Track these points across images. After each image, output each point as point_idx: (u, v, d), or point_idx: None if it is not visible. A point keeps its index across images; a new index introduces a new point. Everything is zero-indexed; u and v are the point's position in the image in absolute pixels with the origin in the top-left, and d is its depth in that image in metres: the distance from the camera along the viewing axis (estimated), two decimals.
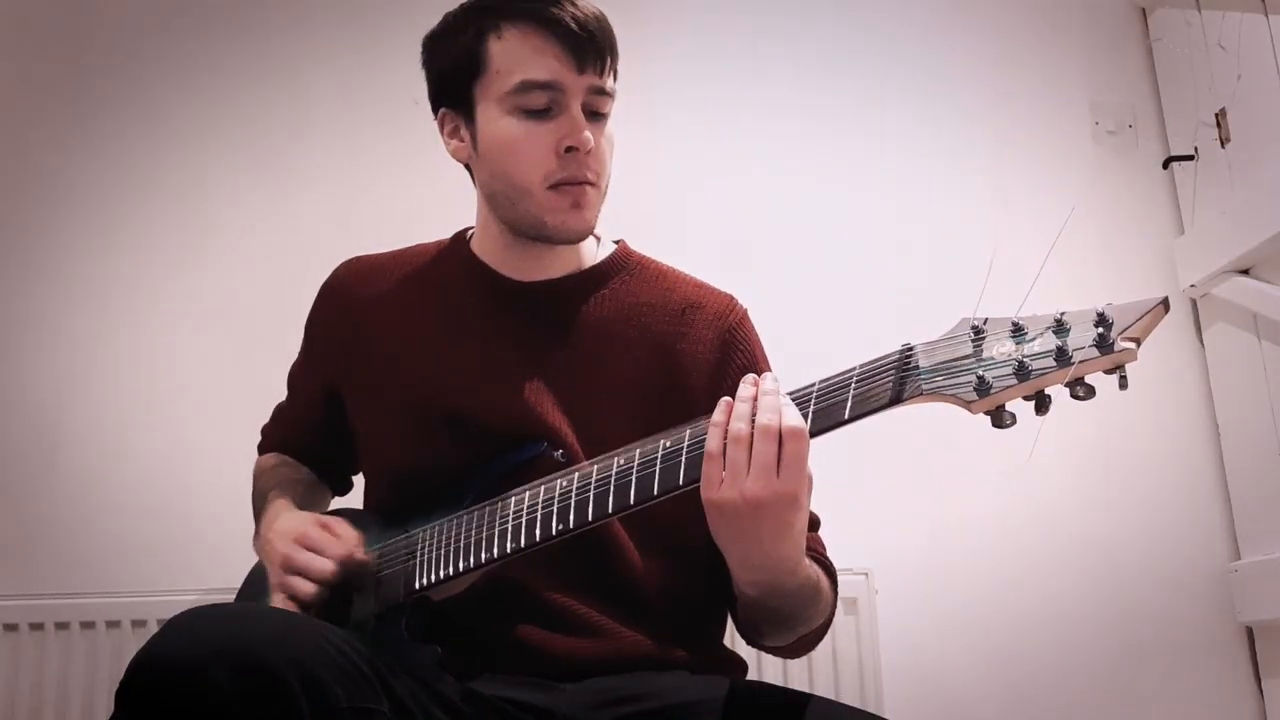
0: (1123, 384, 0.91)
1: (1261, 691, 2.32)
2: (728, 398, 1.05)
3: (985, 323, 0.97)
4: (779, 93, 2.55)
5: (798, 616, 1.21)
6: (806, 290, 2.39)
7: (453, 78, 1.30)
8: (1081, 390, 0.92)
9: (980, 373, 0.94)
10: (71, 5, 2.49)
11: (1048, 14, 2.65)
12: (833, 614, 1.28)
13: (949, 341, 0.99)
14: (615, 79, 1.30)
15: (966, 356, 0.96)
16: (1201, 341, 2.49)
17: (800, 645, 1.29)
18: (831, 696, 2.07)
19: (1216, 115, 2.41)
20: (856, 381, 1.02)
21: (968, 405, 0.96)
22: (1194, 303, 2.50)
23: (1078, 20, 2.65)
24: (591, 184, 1.27)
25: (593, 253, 1.38)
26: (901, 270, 2.41)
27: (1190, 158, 2.50)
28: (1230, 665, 2.34)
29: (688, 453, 1.08)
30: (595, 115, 1.27)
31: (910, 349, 1.00)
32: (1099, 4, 2.66)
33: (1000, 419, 0.96)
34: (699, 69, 2.55)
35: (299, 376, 1.50)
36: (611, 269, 1.37)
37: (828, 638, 2.13)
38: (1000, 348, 0.95)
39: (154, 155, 2.43)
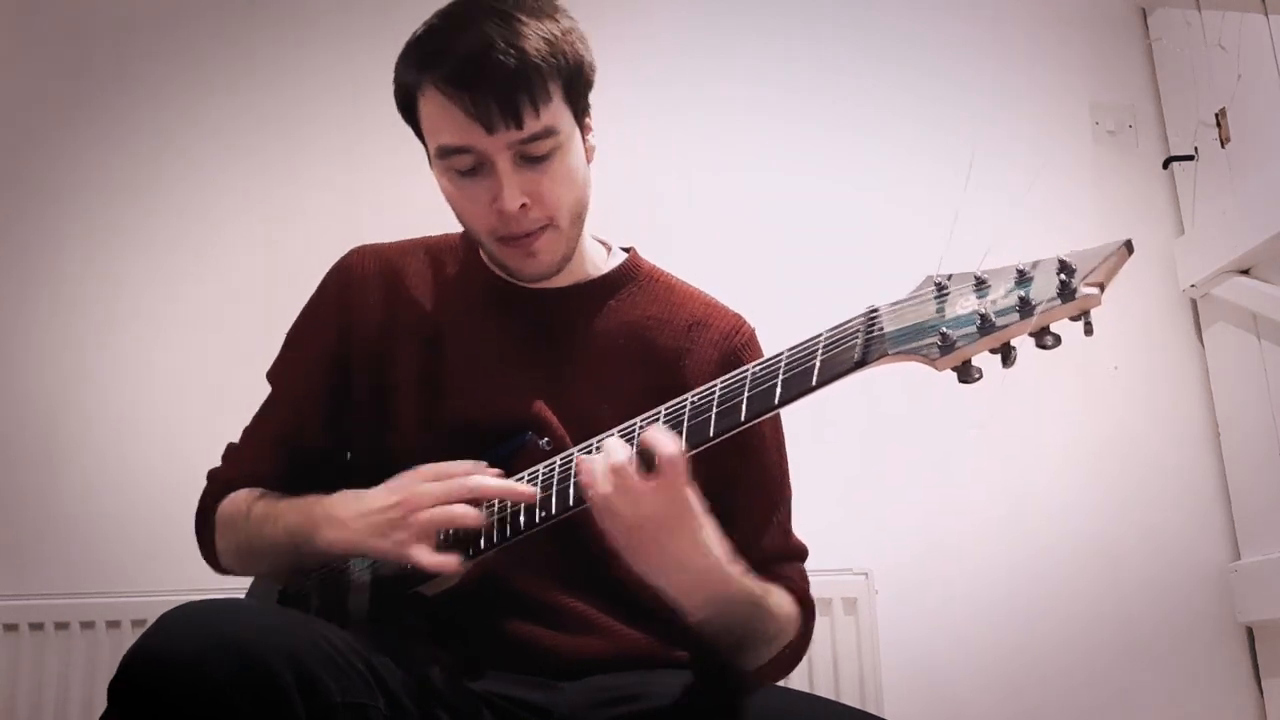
0: (1088, 330, 0.89)
1: (1261, 691, 2.32)
2: (578, 460, 1.09)
3: (949, 279, 0.96)
4: (778, 93, 2.55)
5: (754, 635, 1.21)
6: (806, 289, 2.38)
7: (408, 122, 1.29)
8: (1048, 339, 0.90)
9: (944, 329, 0.93)
10: (73, 6, 2.49)
11: (1048, 14, 2.65)
12: (803, 644, 1.29)
13: (913, 301, 0.98)
14: (576, 101, 1.24)
15: (931, 314, 0.96)
16: (1201, 341, 2.49)
17: (771, 669, 1.28)
18: (831, 696, 2.07)
19: (1216, 115, 2.41)
20: (823, 348, 1.02)
21: (932, 363, 0.95)
22: (1194, 303, 2.50)
23: (1078, 20, 2.65)
24: (545, 227, 1.24)
25: (601, 261, 1.37)
26: (901, 269, 2.41)
27: (1190, 158, 2.50)
28: (1230, 665, 2.34)
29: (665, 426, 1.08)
30: (533, 159, 1.21)
31: (875, 311, 1.00)
32: (1099, 4, 2.66)
33: (967, 374, 0.94)
34: (699, 68, 2.55)
35: (298, 367, 1.41)
36: (619, 280, 1.36)
37: (828, 637, 2.16)
38: (964, 303, 0.94)
39: (155, 159, 2.43)
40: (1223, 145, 2.40)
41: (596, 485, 1.05)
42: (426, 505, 1.13)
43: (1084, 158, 2.58)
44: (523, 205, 1.21)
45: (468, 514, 1.13)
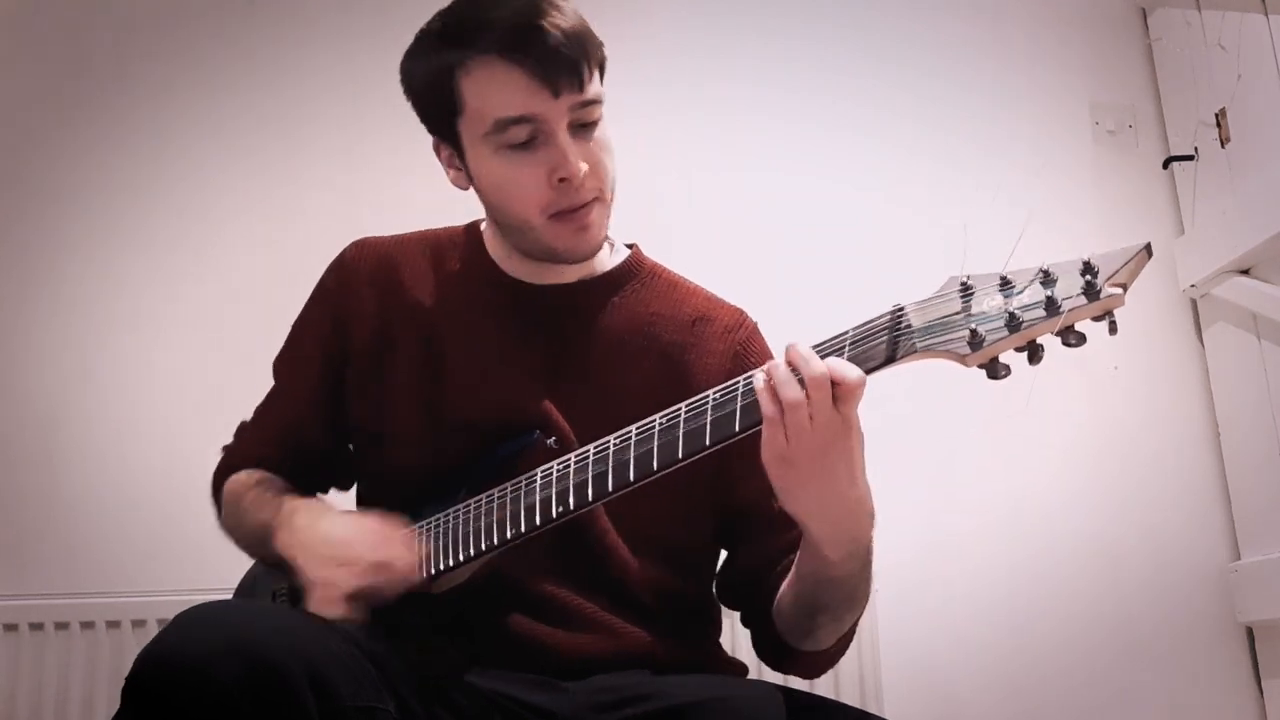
0: (1112, 329, 0.92)
1: (1261, 691, 2.32)
2: (765, 366, 1.03)
3: (973, 279, 0.98)
4: (778, 93, 2.55)
5: (859, 591, 1.19)
6: (806, 289, 2.39)
7: (435, 113, 1.26)
8: (1073, 338, 0.93)
9: (973, 326, 0.95)
10: (73, 6, 2.49)
11: (1048, 14, 2.65)
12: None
13: (939, 299, 0.99)
14: (602, 76, 1.25)
15: (957, 313, 0.97)
16: (1201, 341, 2.49)
17: (842, 642, 1.28)
18: (831, 696, 2.07)
19: (1216, 115, 2.41)
20: (851, 344, 1.02)
21: (962, 359, 0.97)
22: (1194, 303, 2.50)
23: (1078, 20, 2.65)
24: (595, 200, 1.23)
25: (605, 257, 1.36)
26: (902, 269, 2.41)
27: (1190, 158, 2.50)
28: (1230, 665, 2.34)
29: (685, 426, 1.08)
30: (585, 126, 1.21)
31: (901, 309, 1.01)
32: (1099, 4, 2.67)
33: (995, 371, 0.97)
34: (699, 68, 2.55)
35: (297, 364, 1.41)
36: (623, 276, 1.35)
37: None
38: (990, 302, 0.96)
39: (155, 159, 2.42)
40: (1223, 145, 2.40)
41: (786, 390, 1.01)
42: (346, 585, 1.13)
43: (1084, 158, 2.58)
44: (584, 172, 1.20)
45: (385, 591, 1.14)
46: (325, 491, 1.43)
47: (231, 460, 1.41)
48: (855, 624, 1.26)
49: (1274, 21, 2.24)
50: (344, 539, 1.17)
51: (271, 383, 1.43)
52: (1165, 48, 2.59)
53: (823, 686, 2.13)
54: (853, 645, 2.13)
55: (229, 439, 1.43)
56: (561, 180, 1.20)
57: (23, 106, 2.43)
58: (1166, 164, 2.57)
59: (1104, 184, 2.57)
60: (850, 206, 2.50)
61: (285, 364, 1.43)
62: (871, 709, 1.99)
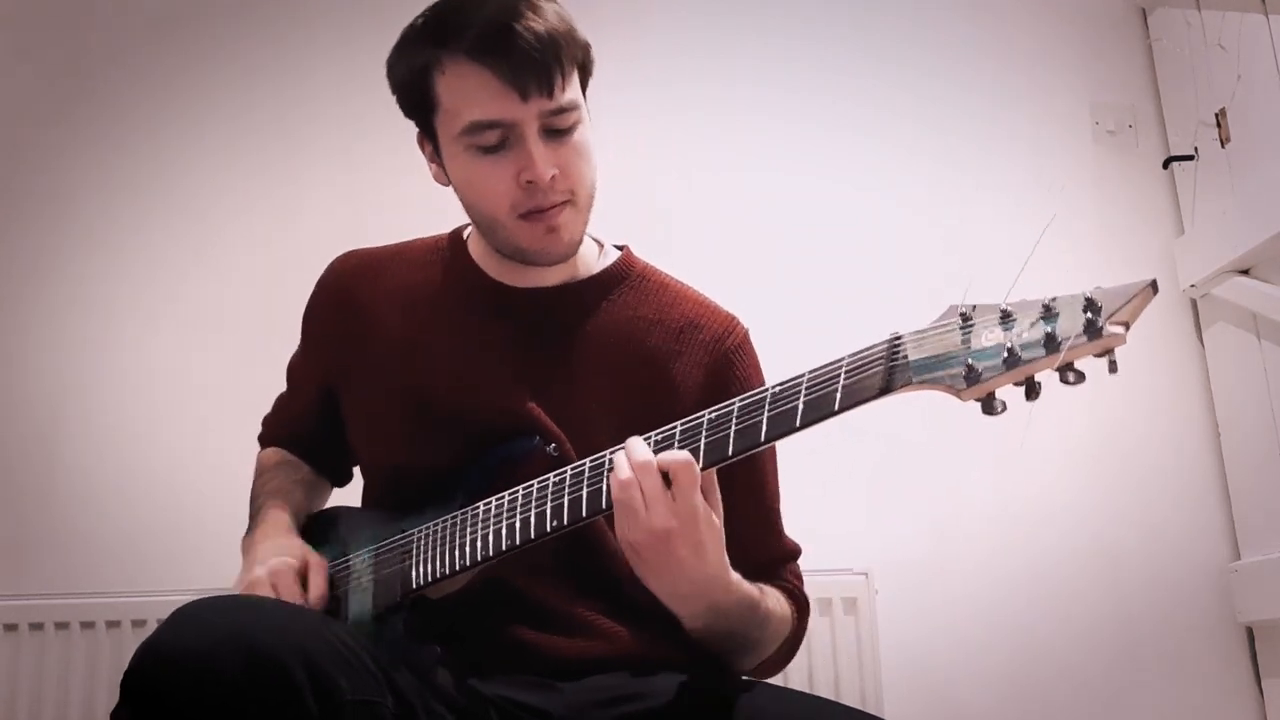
0: (1112, 368, 0.91)
1: (1261, 691, 2.32)
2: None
3: (974, 310, 0.96)
4: (778, 93, 2.55)
5: (749, 639, 1.22)
6: (805, 291, 2.39)
7: (413, 110, 1.28)
8: (1072, 376, 0.92)
9: (970, 361, 0.94)
10: (73, 10, 2.49)
11: (1048, 14, 2.65)
12: (796, 640, 1.30)
13: (937, 330, 0.98)
14: (584, 80, 1.26)
15: (955, 345, 0.96)
16: (1201, 341, 2.49)
17: (770, 664, 1.30)
18: (831, 696, 2.07)
19: (1216, 115, 2.41)
20: (846, 373, 1.01)
21: (958, 394, 0.96)
22: (1194, 303, 2.50)
23: (1078, 20, 2.65)
24: (566, 203, 1.24)
25: (593, 260, 1.36)
26: (902, 271, 2.41)
27: (1190, 158, 2.50)
28: (1230, 665, 2.34)
29: (680, 443, 1.08)
30: (557, 132, 1.22)
31: (899, 339, 1.00)
32: (1099, 4, 2.66)
33: (991, 406, 0.96)
34: (699, 68, 2.55)
35: (297, 370, 1.49)
36: (611, 280, 1.35)
37: (828, 637, 2.16)
38: (989, 335, 0.94)
39: (154, 159, 2.43)
40: (1223, 145, 2.40)
41: (619, 472, 1.06)
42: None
43: (1084, 158, 2.58)
44: (551, 176, 1.21)
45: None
46: (344, 468, 1.50)
47: (264, 430, 1.53)
48: (791, 645, 1.30)
49: (1274, 21, 2.24)
50: (258, 560, 1.25)
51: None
52: (1165, 48, 2.59)
53: (823, 686, 2.13)
54: (853, 645, 2.17)
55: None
56: (529, 182, 1.21)
57: (22, 106, 2.43)
58: (1166, 164, 2.57)
59: (1104, 184, 2.57)
60: (850, 206, 2.50)
61: (291, 366, 1.50)
62: (871, 709, 1.99)
